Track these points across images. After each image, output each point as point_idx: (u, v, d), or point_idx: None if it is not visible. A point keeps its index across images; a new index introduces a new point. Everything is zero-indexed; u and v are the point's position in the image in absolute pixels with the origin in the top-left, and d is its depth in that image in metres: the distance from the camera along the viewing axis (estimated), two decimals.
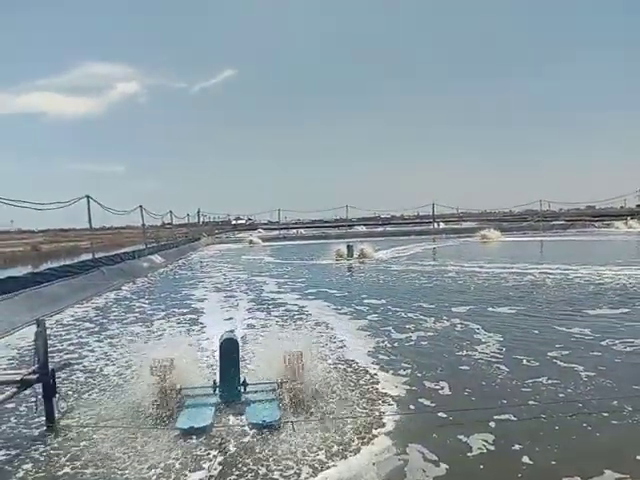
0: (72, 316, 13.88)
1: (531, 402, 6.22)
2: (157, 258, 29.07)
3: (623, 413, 5.73)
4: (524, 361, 7.91)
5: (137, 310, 14.58)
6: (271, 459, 4.99)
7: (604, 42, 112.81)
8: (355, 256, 28.26)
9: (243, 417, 5.99)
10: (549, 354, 8.17)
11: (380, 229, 64.86)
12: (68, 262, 24.22)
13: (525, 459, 4.83)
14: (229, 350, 6.70)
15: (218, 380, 6.63)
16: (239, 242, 51.20)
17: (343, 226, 68.13)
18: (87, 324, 12.75)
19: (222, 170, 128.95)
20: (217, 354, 7.11)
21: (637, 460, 4.72)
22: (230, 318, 12.74)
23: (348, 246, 29.39)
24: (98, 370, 8.38)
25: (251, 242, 50.14)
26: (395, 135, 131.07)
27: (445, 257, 28.65)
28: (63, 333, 11.70)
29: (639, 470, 4.52)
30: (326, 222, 75.31)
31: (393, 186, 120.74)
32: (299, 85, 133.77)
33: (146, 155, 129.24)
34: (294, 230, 67.86)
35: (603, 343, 8.78)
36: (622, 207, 72.08)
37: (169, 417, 5.98)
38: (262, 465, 4.90)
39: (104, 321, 13.04)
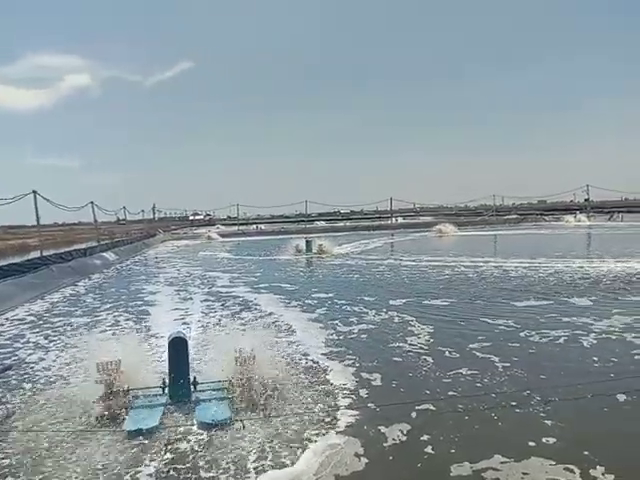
0: (16, 316, 13.28)
1: (450, 393, 6.46)
2: (110, 255, 28.25)
3: (531, 403, 5.98)
4: (446, 353, 8.22)
5: (86, 308, 14.09)
6: (219, 458, 4.93)
7: (555, 41, 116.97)
8: (314, 251, 28.24)
9: (193, 417, 5.87)
10: (470, 346, 8.49)
11: (340, 224, 65.11)
12: (16, 260, 23.24)
13: (428, 448, 5.03)
14: (178, 349, 6.47)
15: (167, 380, 6.44)
16: (197, 238, 50.29)
17: (303, 221, 68.03)
18: (33, 324, 12.22)
19: (180, 165, 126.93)
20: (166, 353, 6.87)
21: (528, 446, 4.94)
22: (182, 314, 12.65)
23: (307, 241, 29.34)
24: (42, 372, 8.03)
25: (209, 238, 49.39)
26: (354, 132, 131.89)
27: (399, 252, 29.20)
28: (6, 334, 11.24)
29: (526, 454, 4.74)
30: (286, 217, 75.13)
31: (352, 182, 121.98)
32: (258, 79, 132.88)
33: (101, 150, 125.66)
34: (254, 226, 67.30)
35: (522, 334, 9.17)
36: (571, 201, 74.98)
37: (115, 419, 5.82)
38: (209, 464, 4.84)
39: (52, 320, 12.50)
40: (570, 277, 15.93)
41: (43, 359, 8.88)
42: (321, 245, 28.75)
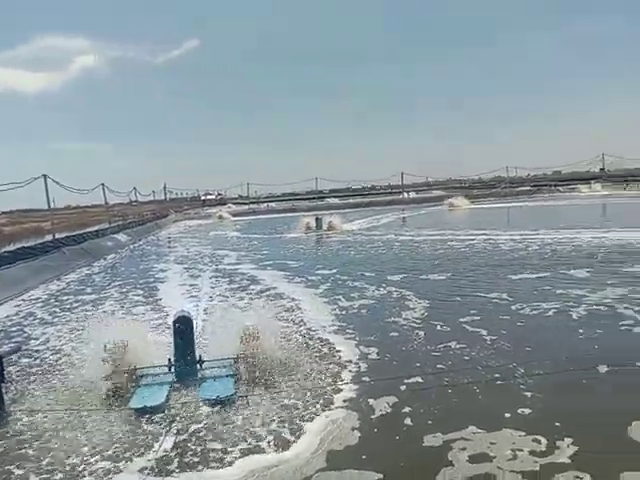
0: (32, 296, 13.80)
1: (439, 366, 6.63)
2: (122, 236, 28.73)
3: (514, 375, 6.11)
4: (438, 327, 8.39)
5: (97, 289, 14.53)
6: (223, 433, 5.09)
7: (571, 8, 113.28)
8: (324, 228, 28.41)
9: (198, 394, 6.03)
10: (461, 319, 8.65)
11: (351, 200, 64.95)
12: (30, 244, 23.79)
13: (407, 420, 5.21)
14: (183, 327, 6.66)
15: (173, 358, 6.59)
16: (208, 218, 50.65)
17: (314, 198, 68.06)
18: (46, 303, 12.71)
19: (191, 145, 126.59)
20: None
21: (503, 417, 5.07)
22: (190, 291, 13.22)
23: (317, 218, 29.55)
24: (52, 351, 8.35)
25: (220, 217, 49.69)
26: (362, 107, 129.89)
27: (409, 227, 29.31)
28: (22, 312, 11.72)
29: (499, 426, 4.88)
30: (297, 195, 75.08)
31: (364, 157, 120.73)
32: (267, 57, 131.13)
33: (112, 131, 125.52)
34: (265, 204, 67.44)
35: (513, 307, 9.30)
36: (587, 172, 73.68)
37: (123, 398, 5.99)
38: (213, 440, 4.98)
39: (64, 300, 12.99)
40: (570, 248, 15.93)
41: (51, 337, 9.26)
42: (331, 222, 28.87)
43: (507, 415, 5.12)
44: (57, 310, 11.91)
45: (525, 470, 4.16)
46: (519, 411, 5.19)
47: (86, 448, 4.97)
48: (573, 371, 6.11)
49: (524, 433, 4.70)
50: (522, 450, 4.43)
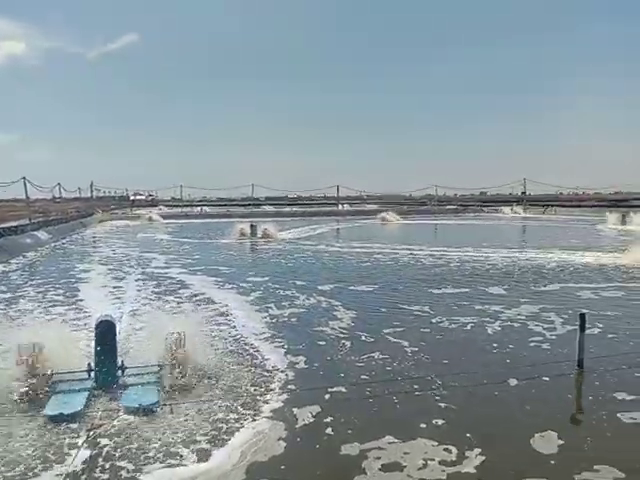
0: None
1: (362, 376, 6.84)
2: (42, 234, 27.18)
3: (431, 387, 6.39)
4: (362, 337, 8.67)
5: (12, 287, 13.77)
6: (145, 444, 4.91)
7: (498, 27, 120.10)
8: (258, 235, 28.30)
9: (119, 402, 5.80)
10: (385, 331, 8.96)
11: (287, 209, 65.12)
12: None
13: (328, 430, 5.34)
14: (105, 332, 6.38)
15: (93, 364, 6.31)
16: (137, 219, 48.91)
17: (250, 205, 67.65)
18: None
19: (122, 143, 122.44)
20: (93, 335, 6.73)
21: (419, 427, 5.29)
22: (114, 293, 12.76)
23: (252, 225, 29.40)
24: None
25: (150, 219, 48.14)
26: (302, 118, 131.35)
27: (342, 238, 29.77)
28: None
29: (414, 435, 5.10)
30: (232, 200, 74.26)
31: (300, 167, 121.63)
32: (207, 55, 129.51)
33: (37, 123, 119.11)
34: (198, 208, 66.17)
35: (433, 320, 9.76)
36: (510, 194, 78.13)
37: (36, 404, 5.70)
38: (132, 451, 4.81)
39: None
40: (489, 266, 16.90)
41: None
42: (266, 229, 28.82)
43: (422, 425, 5.36)
44: None
45: (432, 479, 4.36)
46: (434, 422, 5.44)
47: None
48: (486, 384, 6.47)
49: (437, 443, 4.94)
50: (433, 460, 4.65)
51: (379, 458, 4.68)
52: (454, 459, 4.66)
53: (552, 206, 61.74)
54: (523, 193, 71.42)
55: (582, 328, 6.95)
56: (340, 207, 66.13)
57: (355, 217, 52.80)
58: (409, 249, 21.78)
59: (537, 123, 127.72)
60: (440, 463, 4.60)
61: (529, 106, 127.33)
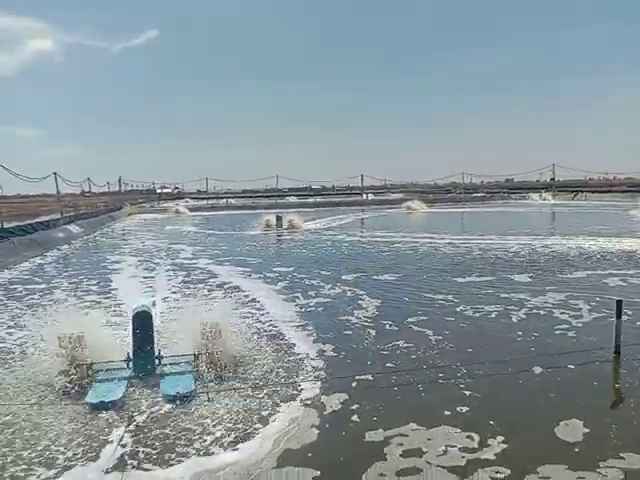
0: None
1: (388, 365, 6.94)
2: (74, 228, 27.95)
3: (456, 375, 6.43)
4: (387, 326, 8.77)
5: (49, 281, 14.10)
6: (182, 431, 5.07)
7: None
8: (284, 227, 28.48)
9: (157, 390, 5.99)
10: (409, 319, 9.05)
11: (311, 200, 65.28)
12: None
13: (354, 417, 5.45)
14: (142, 322, 6.55)
15: (131, 353, 6.51)
16: (164, 212, 49.80)
17: (274, 196, 67.98)
18: None
19: (148, 136, 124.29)
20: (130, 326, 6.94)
21: (443, 415, 5.36)
22: (147, 284, 13.11)
23: (277, 216, 29.59)
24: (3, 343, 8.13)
25: (177, 212, 48.93)
26: (327, 108, 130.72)
27: (367, 228, 29.82)
28: None
29: (438, 423, 5.16)
30: (257, 192, 74.73)
31: (324, 157, 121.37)
32: (228, 50, 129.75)
33: (65, 118, 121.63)
34: (224, 200, 66.81)
35: (458, 309, 9.75)
36: (537, 180, 76.68)
37: (79, 393, 5.92)
38: (171, 437, 4.97)
39: (15, 291, 12.63)
40: (513, 254, 16.75)
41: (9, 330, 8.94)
42: (292, 220, 28.98)
43: (446, 413, 5.42)
44: (10, 299, 11.64)
45: (451, 465, 4.43)
46: (458, 409, 5.50)
47: (43, 443, 4.90)
48: (510, 373, 6.51)
49: (460, 430, 5.01)
50: (455, 446, 4.72)
51: (401, 444, 4.77)
52: (475, 446, 4.72)
53: (582, 192, 60.36)
54: (552, 179, 69.97)
55: (619, 315, 6.96)
56: (364, 197, 65.87)
57: (380, 206, 52.64)
58: (434, 238, 21.71)
59: (564, 107, 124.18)
60: (461, 450, 4.66)
61: (555, 90, 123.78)
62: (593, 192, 59.52)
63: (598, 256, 15.65)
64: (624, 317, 7.01)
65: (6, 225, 22.71)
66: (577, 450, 4.65)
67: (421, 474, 4.33)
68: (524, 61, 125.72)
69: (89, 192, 46.17)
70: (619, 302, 7.04)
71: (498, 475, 4.27)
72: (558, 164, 68.81)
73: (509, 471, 4.31)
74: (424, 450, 4.67)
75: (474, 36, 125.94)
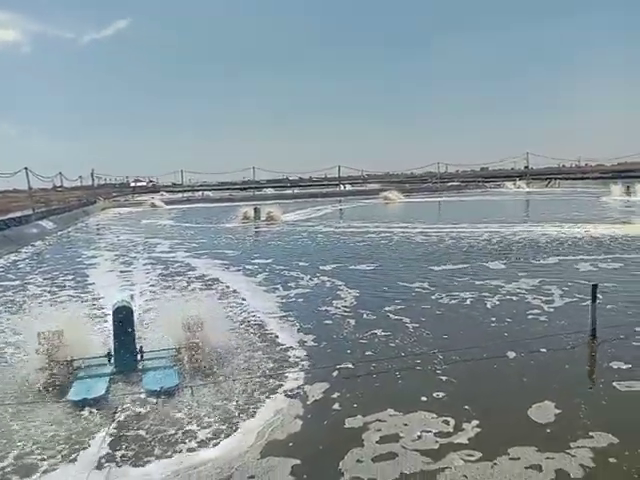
0: None
1: (367, 353, 7.07)
2: (47, 224, 27.41)
3: (433, 362, 6.58)
4: (364, 315, 8.89)
5: (23, 278, 13.82)
6: (167, 426, 5.06)
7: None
8: (262, 219, 28.38)
9: (140, 385, 5.95)
10: (386, 308, 9.17)
11: (289, 191, 65.04)
12: None
13: (335, 405, 5.56)
14: (123, 317, 6.48)
15: (113, 349, 6.45)
16: (140, 205, 49.08)
17: (251, 188, 67.53)
18: None
19: (120, 129, 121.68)
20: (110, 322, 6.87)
21: (420, 400, 5.50)
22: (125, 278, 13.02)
23: (255, 209, 29.46)
24: None
25: (153, 205, 48.36)
26: (304, 99, 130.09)
27: (345, 219, 29.87)
28: None
29: (415, 408, 5.30)
30: (234, 184, 74.12)
31: (299, 149, 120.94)
32: (202, 41, 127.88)
33: (33, 112, 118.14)
34: (200, 192, 66.14)
35: (433, 297, 9.92)
36: (512, 169, 77.70)
37: (60, 390, 5.84)
38: (156, 432, 4.97)
39: None
40: (486, 241, 17.07)
41: None
42: (270, 212, 28.87)
43: (423, 399, 5.56)
44: None
45: (425, 449, 4.55)
46: (434, 395, 5.64)
47: (26, 442, 4.84)
48: (485, 358, 6.66)
49: (436, 415, 5.15)
50: (430, 431, 4.85)
51: (379, 430, 4.89)
52: (450, 430, 4.86)
53: (555, 179, 61.47)
54: (526, 167, 71.00)
55: (594, 298, 7.13)
56: (342, 187, 65.91)
57: (357, 197, 52.77)
58: (414, 227, 21.99)
59: (535, 93, 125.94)
60: (436, 434, 4.79)
61: (527, 76, 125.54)
62: (566, 179, 60.71)
63: (569, 242, 16.02)
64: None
65: None
66: (548, 431, 4.81)
67: (396, 459, 4.42)
68: (497, 50, 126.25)
69: (61, 187, 45.23)
70: (594, 286, 7.22)
71: (471, 458, 4.39)
72: (532, 152, 69.97)
73: (481, 454, 4.44)
74: (401, 435, 4.79)
75: (448, 26, 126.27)
